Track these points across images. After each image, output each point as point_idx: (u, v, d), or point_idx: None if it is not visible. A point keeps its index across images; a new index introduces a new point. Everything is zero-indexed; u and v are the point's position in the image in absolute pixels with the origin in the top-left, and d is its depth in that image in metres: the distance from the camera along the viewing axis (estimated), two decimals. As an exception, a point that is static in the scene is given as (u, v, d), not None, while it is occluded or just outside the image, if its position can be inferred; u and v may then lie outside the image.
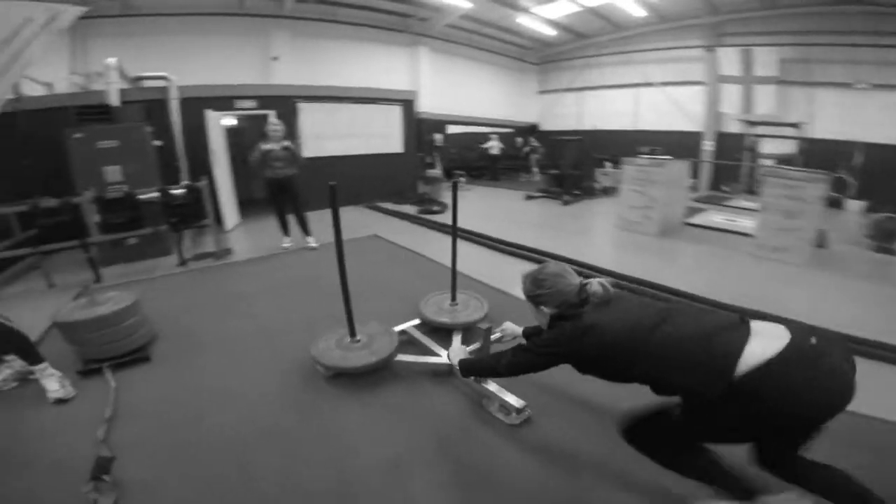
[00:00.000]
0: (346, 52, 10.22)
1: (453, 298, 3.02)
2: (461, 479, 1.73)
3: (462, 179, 10.60)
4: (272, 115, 6.84)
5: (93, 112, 4.77)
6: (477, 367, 1.84)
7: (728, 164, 10.03)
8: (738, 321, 1.28)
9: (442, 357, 2.41)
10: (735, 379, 1.15)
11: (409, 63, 11.42)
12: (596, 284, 1.48)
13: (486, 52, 13.26)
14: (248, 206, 7.31)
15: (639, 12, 10.42)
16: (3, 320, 2.19)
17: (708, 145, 10.96)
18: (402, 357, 2.46)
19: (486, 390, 2.11)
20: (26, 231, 4.29)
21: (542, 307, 1.55)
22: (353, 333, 2.47)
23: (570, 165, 8.77)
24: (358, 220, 6.84)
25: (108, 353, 2.56)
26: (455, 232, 3.02)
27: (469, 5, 9.65)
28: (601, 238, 5.98)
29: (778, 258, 4.70)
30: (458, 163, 11.42)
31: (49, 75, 6.14)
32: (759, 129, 10.07)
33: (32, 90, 5.74)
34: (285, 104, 7.40)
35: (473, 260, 4.56)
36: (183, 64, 7.45)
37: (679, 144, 10.44)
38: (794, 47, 9.25)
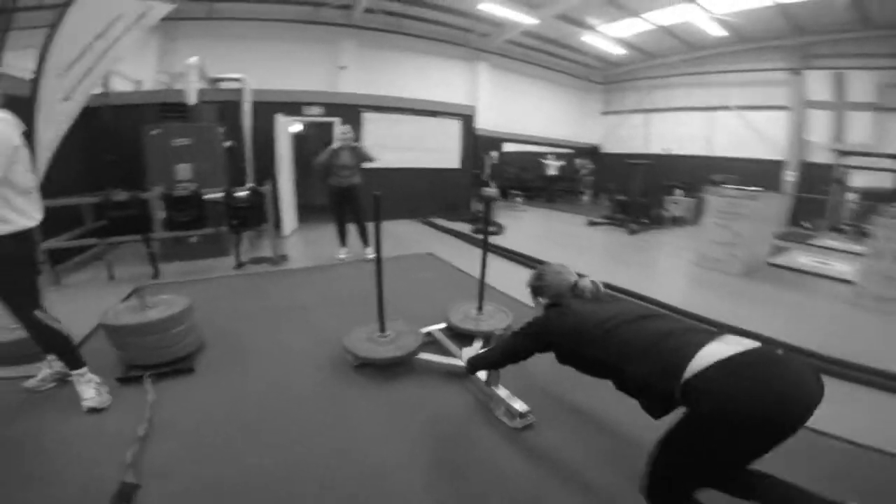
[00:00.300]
0: (407, 64, 10.26)
1: (480, 308, 3.12)
2: (460, 475, 1.80)
3: (519, 200, 10.27)
4: (338, 122, 6.88)
5: (172, 110, 4.90)
6: (479, 361, 1.96)
7: (812, 198, 9.03)
8: (712, 331, 1.29)
9: (459, 360, 2.54)
10: (689, 375, 1.14)
11: (467, 77, 11.33)
12: (587, 281, 1.65)
13: (547, 70, 12.93)
14: (305, 211, 7.34)
15: (717, 32, 9.75)
16: (48, 321, 2.09)
17: (790, 176, 9.98)
18: (423, 355, 2.62)
19: (494, 394, 2.19)
20: (97, 222, 4.44)
21: (540, 298, 1.75)
22: (382, 329, 2.67)
23: (638, 191, 8.21)
24: (412, 236, 6.65)
25: (151, 359, 2.43)
26: (486, 243, 3.16)
27: (533, 21, 9.41)
28: (675, 274, 5.41)
29: (883, 309, 3.98)
30: (514, 182, 11.09)
31: (139, 73, 6.49)
32: (852, 160, 9.00)
33: (122, 86, 6.05)
34: (350, 113, 7.43)
35: (518, 280, 4.27)
36: (256, 68, 7.58)
37: (757, 173, 9.55)
38: (894, 71, 8.24)
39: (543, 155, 12.09)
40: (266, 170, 5.95)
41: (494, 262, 5.14)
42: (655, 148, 12.61)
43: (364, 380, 2.48)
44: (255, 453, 1.88)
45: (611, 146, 14.20)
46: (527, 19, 9.27)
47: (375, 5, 8.74)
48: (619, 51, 11.51)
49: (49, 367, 2.31)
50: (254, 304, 3.62)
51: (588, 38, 10.70)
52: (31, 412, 2.13)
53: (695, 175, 9.91)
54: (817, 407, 1.08)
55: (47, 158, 3.45)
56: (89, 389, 2.14)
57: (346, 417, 2.15)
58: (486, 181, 9.29)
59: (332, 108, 7.37)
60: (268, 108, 6.29)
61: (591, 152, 13.92)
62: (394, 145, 7.89)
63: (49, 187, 3.58)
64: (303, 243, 5.97)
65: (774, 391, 1.06)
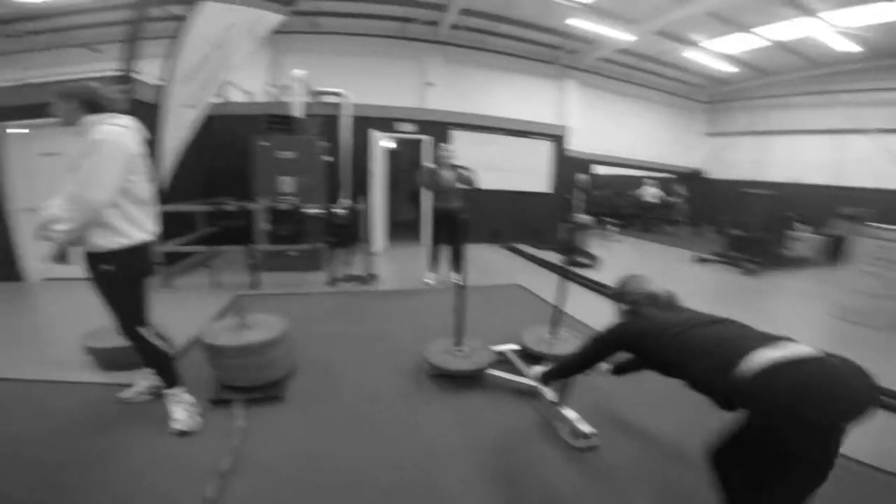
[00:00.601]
0: (493, 81, 10.04)
1: (554, 332, 3.09)
2: (520, 493, 1.81)
3: (613, 228, 9.50)
4: (426, 139, 6.77)
5: (279, 122, 5.03)
6: (554, 371, 2.00)
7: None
8: (774, 337, 1.31)
9: (528, 379, 2.51)
10: (742, 375, 1.19)
11: (555, 96, 10.84)
12: (662, 290, 1.78)
13: (644, 88, 12.03)
14: (392, 229, 7.27)
15: (845, 47, 8.42)
16: (151, 338, 2.02)
17: (938, 211, 8.24)
18: (494, 371, 2.68)
19: (560, 414, 2.18)
20: (207, 229, 4.61)
21: (621, 304, 1.84)
22: (458, 343, 2.81)
23: (759, 226, 7.15)
24: (497, 263, 6.27)
25: (244, 381, 2.32)
26: (568, 270, 3.27)
27: (629, 38, 8.76)
28: (807, 326, 4.43)
29: None
30: (606, 208, 10.30)
31: (251, 85, 6.86)
32: None
33: (236, 97, 6.40)
34: (439, 130, 7.33)
35: (609, 317, 3.79)
36: (349, 82, 7.61)
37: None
38: None
39: (640, 179, 11.18)
40: (359, 186, 5.93)
41: (585, 295, 4.73)
42: (771, 174, 11.18)
43: (440, 393, 2.55)
44: (335, 493, 1.77)
45: (715, 171, 12.88)
46: (622, 35, 8.68)
47: (461, 22, 8.63)
48: (727, 68, 10.44)
49: (146, 379, 2.26)
50: (344, 327, 3.52)
51: (691, 55, 9.80)
52: (120, 425, 2.08)
53: (818, 207, 8.60)
54: (865, 409, 1.10)
55: (172, 165, 3.58)
56: (181, 411, 2.05)
57: (421, 434, 2.16)
58: (578, 207, 8.67)
59: (421, 125, 7.32)
60: (360, 124, 6.32)
61: (692, 177, 12.72)
62: (480, 165, 7.61)
63: (169, 193, 3.76)
64: (391, 262, 5.85)
65: (814, 395, 1.11)
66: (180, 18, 3.67)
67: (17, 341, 3.09)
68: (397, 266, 5.68)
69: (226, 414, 2.18)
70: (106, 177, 1.70)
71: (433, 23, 8.75)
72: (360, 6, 7.84)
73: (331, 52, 8.65)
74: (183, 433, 1.99)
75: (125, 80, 3.04)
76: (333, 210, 4.19)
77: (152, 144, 2.25)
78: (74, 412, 2.17)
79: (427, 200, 7.27)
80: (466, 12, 8.13)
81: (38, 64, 6.95)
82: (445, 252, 4.67)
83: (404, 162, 8.83)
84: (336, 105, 6.36)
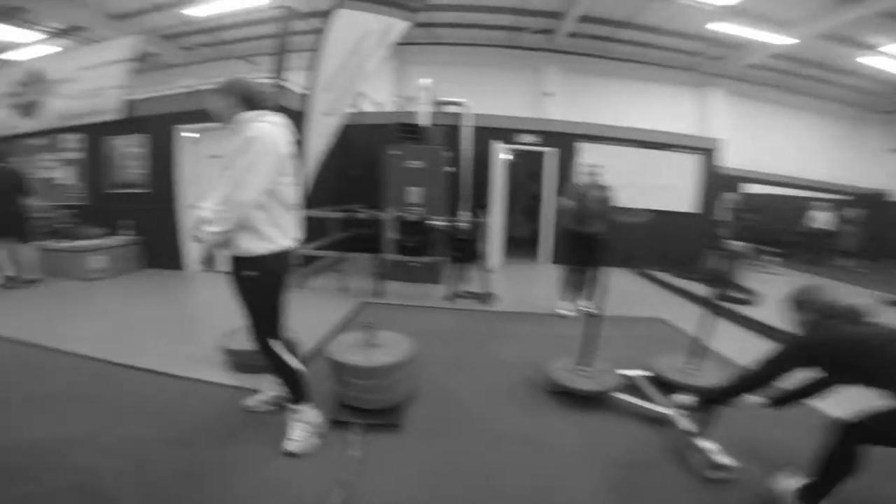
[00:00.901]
0: (619, 91, 9.30)
1: (692, 362, 2.75)
2: None
3: (775, 259, 7.97)
4: (549, 151, 6.31)
5: (408, 131, 5.04)
6: (718, 391, 1.90)
7: None
8: None
9: (662, 408, 2.35)
10: None
11: (696, 106, 9.68)
12: (845, 302, 1.67)
13: (807, 97, 10.16)
14: (507, 244, 6.93)
15: None
16: (280, 352, 1.91)
17: None
18: (620, 395, 2.52)
19: (696, 444, 1.98)
20: (338, 234, 4.75)
21: (800, 313, 1.75)
22: (583, 363, 2.66)
23: None
24: (634, 292, 5.49)
25: (366, 403, 2.14)
26: (719, 304, 3.01)
27: (789, 41, 7.36)
28: None
29: None
30: (758, 234, 8.68)
31: (379, 95, 7.13)
32: None
33: (367, 107, 6.65)
34: (563, 141, 6.83)
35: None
36: (468, 92, 7.27)
37: None
38: None
39: (804, 201, 9.37)
40: (478, 198, 5.71)
41: (736, 332, 4.04)
42: None
43: (562, 417, 2.40)
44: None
45: (907, 194, 10.30)
46: (778, 39, 7.37)
47: (580, 30, 8.09)
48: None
49: (272, 388, 2.20)
50: (463, 347, 3.29)
51: (867, 60, 8.00)
52: (235, 436, 2.03)
53: None
54: None
55: (314, 170, 3.71)
56: (299, 430, 1.93)
57: (544, 467, 1.98)
58: (728, 231, 7.41)
59: (543, 137, 6.89)
60: (480, 134, 6.12)
61: (872, 200, 10.32)
62: (610, 181, 6.96)
63: (309, 199, 3.91)
64: (507, 281, 5.45)
65: None
66: (320, 31, 3.84)
67: (163, 332, 3.33)
68: (513, 285, 5.29)
69: (341, 437, 2.01)
70: (256, 176, 1.64)
71: (548, 31, 8.35)
72: (475, 16, 7.82)
73: (450, 63, 8.74)
74: (294, 455, 1.85)
75: (276, 87, 3.22)
76: (457, 223, 3.99)
77: (299, 146, 2.24)
78: (195, 415, 2.18)
79: (548, 216, 6.84)
80: (585, 19, 7.60)
81: (207, 74, 8.03)
82: (580, 278, 4.10)
83: (520, 174, 8.46)
84: (457, 115, 6.23)
